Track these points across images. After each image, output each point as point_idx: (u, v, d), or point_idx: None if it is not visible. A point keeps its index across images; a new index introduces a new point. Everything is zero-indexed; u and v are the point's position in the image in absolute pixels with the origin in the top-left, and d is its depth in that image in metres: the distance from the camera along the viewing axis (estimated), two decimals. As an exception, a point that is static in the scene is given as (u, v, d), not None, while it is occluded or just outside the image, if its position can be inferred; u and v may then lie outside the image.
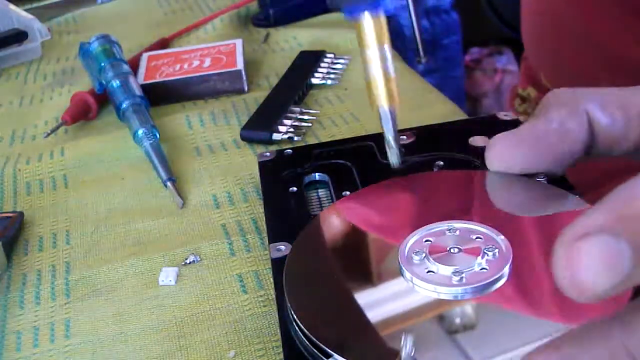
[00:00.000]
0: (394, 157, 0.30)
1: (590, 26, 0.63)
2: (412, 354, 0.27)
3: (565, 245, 0.21)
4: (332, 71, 0.62)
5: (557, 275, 0.22)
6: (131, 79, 0.59)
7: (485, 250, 0.31)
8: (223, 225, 0.44)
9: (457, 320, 0.30)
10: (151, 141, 0.52)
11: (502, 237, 0.32)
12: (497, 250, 0.31)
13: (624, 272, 0.21)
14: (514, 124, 0.45)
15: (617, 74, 0.62)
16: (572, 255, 0.21)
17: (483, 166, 0.38)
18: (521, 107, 0.79)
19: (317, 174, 0.43)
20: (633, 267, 0.21)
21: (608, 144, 0.34)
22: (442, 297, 0.30)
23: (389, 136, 0.30)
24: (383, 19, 0.28)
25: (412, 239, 0.33)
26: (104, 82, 0.59)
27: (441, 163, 0.41)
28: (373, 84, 0.29)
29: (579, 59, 0.66)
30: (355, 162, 0.43)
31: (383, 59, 0.28)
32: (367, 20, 0.28)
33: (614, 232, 0.21)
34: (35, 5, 0.94)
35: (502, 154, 0.35)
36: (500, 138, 0.36)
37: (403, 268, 0.31)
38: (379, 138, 0.46)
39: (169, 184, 0.48)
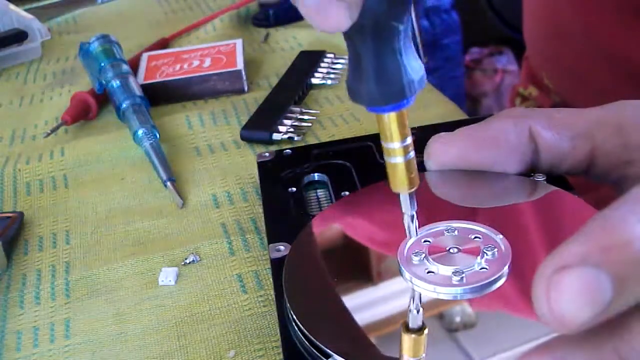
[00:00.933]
0: (412, 231, 0.30)
1: (592, 27, 0.63)
2: (420, 310, 0.27)
3: (545, 278, 0.21)
4: (332, 71, 0.62)
5: (537, 308, 0.22)
6: (131, 79, 0.59)
7: (484, 250, 0.31)
8: (223, 225, 0.44)
9: (457, 319, 0.30)
10: (151, 141, 0.52)
11: (501, 236, 0.32)
12: (496, 250, 0.31)
13: (604, 302, 0.21)
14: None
15: (619, 75, 0.62)
16: (552, 288, 0.21)
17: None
18: (522, 106, 0.79)
19: (316, 174, 0.43)
20: (614, 297, 0.21)
21: (553, 160, 0.35)
22: (442, 297, 0.30)
23: (407, 216, 0.30)
24: (405, 112, 0.27)
25: (412, 240, 0.33)
26: (104, 82, 0.59)
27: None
28: (392, 173, 0.28)
29: (581, 59, 0.66)
30: (355, 162, 0.43)
31: (406, 150, 0.27)
32: (391, 117, 0.26)
33: (593, 263, 0.21)
34: (35, 5, 0.94)
35: (437, 150, 0.36)
36: (435, 137, 0.37)
37: (403, 268, 0.31)
38: (378, 138, 0.46)
39: (169, 184, 0.48)
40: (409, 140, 0.27)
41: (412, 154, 0.27)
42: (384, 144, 0.27)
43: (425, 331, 0.28)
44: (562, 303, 0.21)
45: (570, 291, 0.21)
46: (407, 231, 0.31)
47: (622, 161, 0.34)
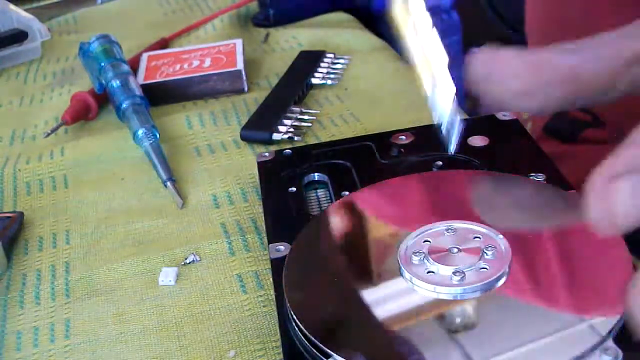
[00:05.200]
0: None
1: (595, 21, 0.63)
2: None
3: (598, 185, 0.24)
4: (332, 71, 0.62)
5: (590, 214, 0.25)
6: (131, 79, 0.59)
7: (484, 250, 0.31)
8: (222, 224, 0.44)
9: (458, 320, 0.30)
10: (151, 141, 0.52)
11: (501, 236, 0.32)
12: (496, 250, 0.31)
13: None
14: (512, 124, 0.45)
15: None
16: (605, 194, 0.24)
17: (482, 166, 0.38)
18: None
19: (316, 174, 0.43)
20: None
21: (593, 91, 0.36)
22: (442, 297, 0.30)
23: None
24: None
25: (411, 240, 0.33)
26: (104, 82, 0.59)
27: (440, 163, 0.42)
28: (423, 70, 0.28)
29: None
30: (355, 162, 0.43)
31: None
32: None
33: None
34: (35, 5, 0.94)
35: (488, 60, 0.37)
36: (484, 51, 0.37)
37: (403, 268, 0.31)
38: (378, 138, 0.46)
39: (168, 184, 0.48)
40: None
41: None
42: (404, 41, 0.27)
43: None
44: (614, 206, 0.24)
45: (622, 194, 0.24)
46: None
47: None
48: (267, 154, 0.46)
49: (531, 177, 0.37)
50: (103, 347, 0.36)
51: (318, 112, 0.56)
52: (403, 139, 0.45)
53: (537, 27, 0.74)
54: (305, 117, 0.55)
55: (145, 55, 0.66)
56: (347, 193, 0.40)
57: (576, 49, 0.37)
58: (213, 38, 0.74)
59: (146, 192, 0.49)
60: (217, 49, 0.65)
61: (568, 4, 0.66)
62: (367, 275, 0.34)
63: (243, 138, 0.53)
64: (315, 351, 0.29)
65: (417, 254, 0.32)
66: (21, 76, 0.73)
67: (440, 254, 0.32)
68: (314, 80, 0.61)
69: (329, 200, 0.42)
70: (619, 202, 0.24)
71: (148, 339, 0.36)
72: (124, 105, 0.56)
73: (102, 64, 0.60)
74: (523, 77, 0.36)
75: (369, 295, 0.32)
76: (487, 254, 0.31)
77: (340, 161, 0.44)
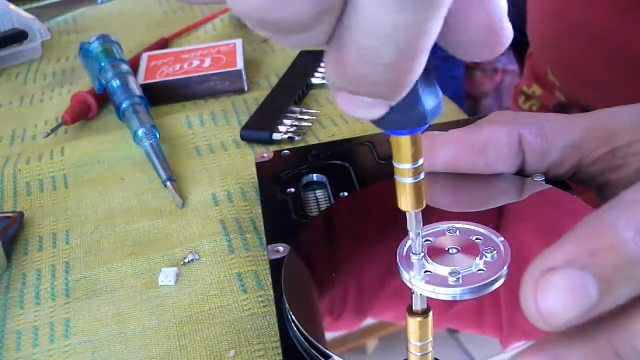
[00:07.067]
0: (417, 248, 0.31)
1: (596, 19, 0.63)
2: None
3: (533, 278, 0.22)
4: (332, 71, 0.62)
5: (524, 306, 0.22)
6: (131, 79, 0.59)
7: (483, 252, 0.31)
8: (221, 221, 0.44)
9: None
10: (151, 141, 0.52)
11: (502, 238, 0.32)
12: (495, 252, 0.31)
13: (590, 303, 0.21)
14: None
15: (626, 70, 0.62)
16: (539, 287, 0.22)
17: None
18: (526, 105, 0.79)
19: (314, 174, 0.43)
20: (600, 298, 0.21)
21: (541, 167, 0.36)
22: (440, 297, 0.30)
23: (412, 234, 0.30)
24: (419, 135, 0.26)
25: (416, 256, 0.33)
26: (104, 82, 0.59)
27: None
28: (401, 192, 0.27)
29: (585, 52, 0.66)
30: (353, 163, 0.43)
31: (416, 172, 0.27)
32: (405, 140, 0.26)
33: (580, 266, 0.21)
34: (35, 5, 0.94)
35: (426, 152, 0.36)
36: (425, 136, 0.37)
37: (401, 268, 0.32)
38: (376, 138, 0.46)
39: (168, 183, 0.48)
40: (420, 161, 0.27)
41: (422, 175, 0.27)
42: (395, 164, 0.27)
43: (430, 314, 0.28)
44: (548, 302, 0.22)
45: (556, 291, 0.21)
46: (412, 247, 0.31)
47: (608, 168, 0.35)
48: (265, 155, 0.46)
49: (531, 178, 0.37)
50: (103, 347, 0.36)
51: (318, 112, 0.56)
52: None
53: (539, 28, 0.74)
54: (305, 117, 0.55)
55: (145, 55, 0.66)
56: (345, 194, 0.40)
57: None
58: (213, 38, 0.74)
59: (146, 192, 0.49)
60: (217, 48, 0.65)
61: (569, 5, 0.66)
62: (366, 276, 0.34)
63: (243, 138, 0.53)
64: (314, 352, 0.29)
65: (417, 253, 0.32)
66: (21, 76, 0.73)
67: (439, 254, 0.32)
68: (314, 80, 0.61)
69: (328, 201, 0.42)
70: (550, 300, 0.21)
71: (148, 339, 0.36)
72: (123, 105, 0.56)
73: (102, 64, 0.60)
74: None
75: (368, 295, 0.32)
76: (486, 256, 0.31)
77: (338, 162, 0.44)
